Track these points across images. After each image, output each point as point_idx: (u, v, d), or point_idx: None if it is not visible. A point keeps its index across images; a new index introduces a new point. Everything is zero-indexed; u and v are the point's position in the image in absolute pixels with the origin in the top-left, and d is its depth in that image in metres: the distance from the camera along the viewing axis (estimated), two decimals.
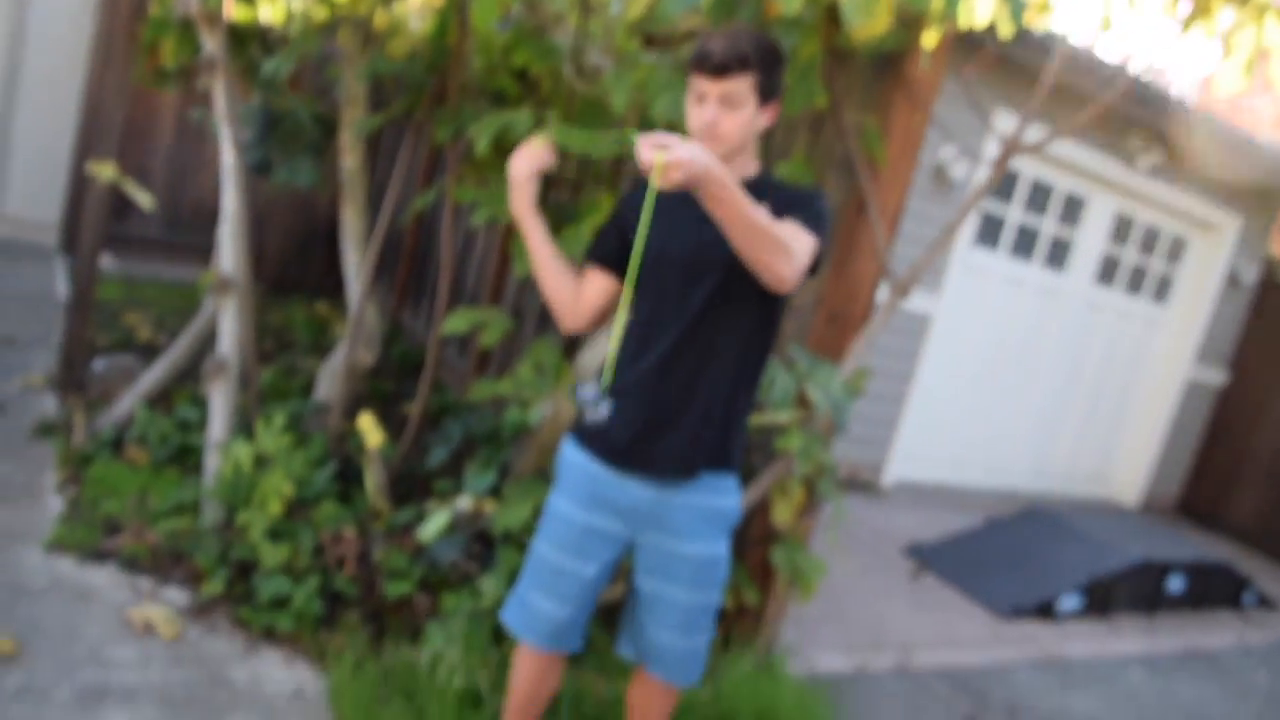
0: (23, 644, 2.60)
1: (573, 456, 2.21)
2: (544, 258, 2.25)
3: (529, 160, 2.21)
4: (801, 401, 2.86)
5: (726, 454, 2.17)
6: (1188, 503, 7.97)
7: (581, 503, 2.17)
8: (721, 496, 2.18)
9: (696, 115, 2.03)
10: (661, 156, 1.64)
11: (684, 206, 2.05)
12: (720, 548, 2.20)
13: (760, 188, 2.08)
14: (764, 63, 2.01)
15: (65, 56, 6.89)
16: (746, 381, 2.15)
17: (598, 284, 2.25)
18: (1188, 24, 3.38)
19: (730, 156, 2.05)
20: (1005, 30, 3.05)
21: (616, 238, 2.21)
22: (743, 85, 1.99)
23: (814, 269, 2.07)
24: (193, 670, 2.71)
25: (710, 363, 2.08)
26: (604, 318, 2.28)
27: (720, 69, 1.97)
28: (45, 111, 6.94)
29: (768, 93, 2.04)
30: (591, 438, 2.17)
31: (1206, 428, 7.93)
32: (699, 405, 2.09)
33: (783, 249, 1.86)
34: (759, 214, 1.80)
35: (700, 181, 1.69)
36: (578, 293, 2.27)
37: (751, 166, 2.14)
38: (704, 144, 2.01)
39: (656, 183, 1.67)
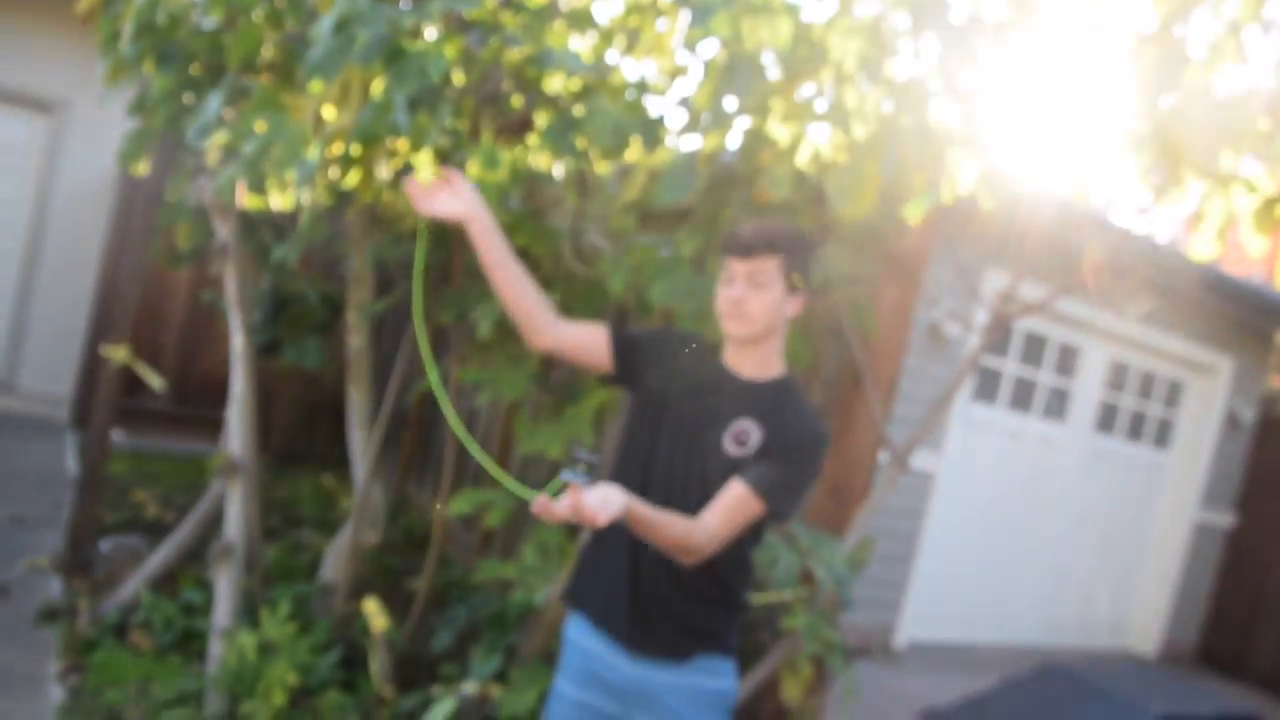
0: None
1: (571, 634, 2.21)
2: (496, 258, 2.10)
3: (436, 198, 2.11)
4: (805, 578, 2.86)
5: (718, 637, 2.14)
6: (1208, 650, 7.78)
7: (575, 680, 2.16)
8: (714, 678, 2.14)
9: (725, 294, 2.06)
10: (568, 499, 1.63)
11: (698, 425, 2.08)
12: None
13: (778, 393, 2.09)
14: (792, 248, 2.05)
15: (85, 236, 7.15)
16: (737, 563, 2.11)
17: (594, 338, 2.17)
18: (1160, 194, 3.51)
19: (757, 339, 2.07)
20: (986, 204, 3.18)
21: (640, 356, 2.16)
22: (769, 266, 2.03)
23: (783, 514, 2.03)
24: None
25: None
26: (574, 356, 2.18)
27: (748, 249, 2.03)
28: (63, 288, 7.16)
29: (795, 280, 2.06)
30: (583, 598, 2.17)
31: (1220, 571, 7.81)
32: (688, 588, 2.07)
33: (692, 549, 1.90)
34: (669, 528, 1.85)
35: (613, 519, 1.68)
36: (549, 307, 2.15)
37: (775, 365, 2.13)
38: (731, 322, 2.06)
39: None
